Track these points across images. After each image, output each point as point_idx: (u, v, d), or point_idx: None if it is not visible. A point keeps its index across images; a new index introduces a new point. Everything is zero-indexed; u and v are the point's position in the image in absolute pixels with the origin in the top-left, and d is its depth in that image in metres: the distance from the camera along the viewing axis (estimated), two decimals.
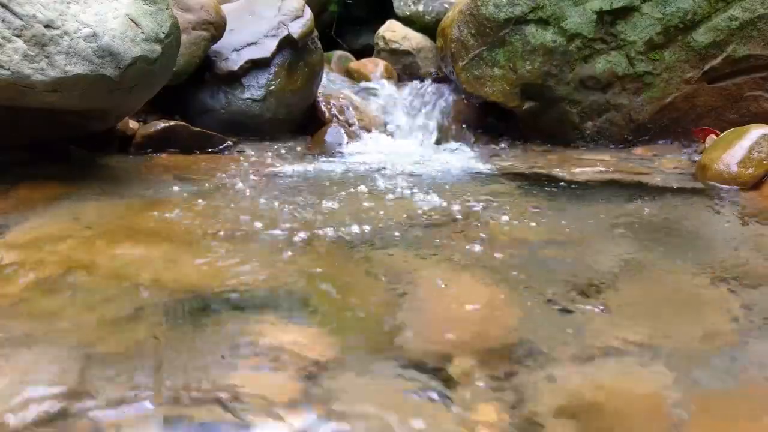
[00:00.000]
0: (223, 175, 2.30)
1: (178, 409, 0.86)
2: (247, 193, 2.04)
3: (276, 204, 1.91)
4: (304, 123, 3.31)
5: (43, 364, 0.96)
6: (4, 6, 1.75)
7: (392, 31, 4.37)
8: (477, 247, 1.54)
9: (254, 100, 3.05)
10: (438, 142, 3.30)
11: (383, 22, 4.51)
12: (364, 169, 2.51)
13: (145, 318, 1.12)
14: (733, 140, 2.33)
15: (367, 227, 1.67)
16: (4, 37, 1.74)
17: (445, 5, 4.30)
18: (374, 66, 4.13)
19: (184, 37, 2.64)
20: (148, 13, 2.04)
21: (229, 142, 2.83)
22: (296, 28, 3.20)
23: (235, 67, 3.05)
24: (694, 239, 1.66)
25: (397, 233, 1.64)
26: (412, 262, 1.46)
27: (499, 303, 1.25)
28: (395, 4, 4.54)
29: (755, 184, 2.18)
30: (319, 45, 3.42)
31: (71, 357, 0.98)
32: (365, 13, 5.11)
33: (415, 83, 3.80)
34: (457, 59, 3.22)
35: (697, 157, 2.61)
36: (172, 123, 2.70)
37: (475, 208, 1.91)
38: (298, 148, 2.96)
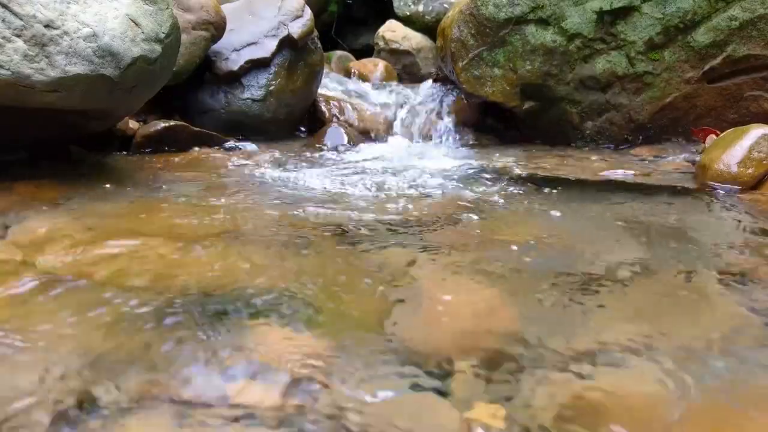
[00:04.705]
0: (223, 175, 2.30)
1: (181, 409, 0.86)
2: (247, 193, 2.03)
3: (276, 204, 1.91)
4: (304, 123, 3.31)
5: (40, 367, 0.96)
6: (4, 6, 1.75)
7: (392, 31, 4.38)
8: (476, 246, 1.54)
9: (254, 100, 3.05)
10: (437, 141, 3.30)
11: (383, 22, 4.52)
12: (363, 168, 2.51)
13: (147, 319, 1.12)
14: (733, 140, 2.33)
15: (366, 226, 1.67)
16: (4, 37, 1.74)
17: (445, 5, 4.30)
18: (374, 66, 4.14)
19: (184, 37, 2.64)
20: (148, 13, 2.04)
21: (229, 142, 2.83)
22: (296, 28, 3.20)
23: (235, 67, 3.05)
24: (694, 239, 1.66)
25: (396, 232, 1.64)
26: (412, 261, 1.46)
27: (498, 302, 1.25)
28: (395, 4, 4.54)
29: (755, 184, 2.18)
30: (319, 45, 3.43)
31: (71, 360, 0.97)
32: (365, 13, 5.11)
33: (414, 84, 3.81)
34: (457, 59, 3.22)
35: (697, 157, 2.61)
36: (172, 123, 2.70)
37: (474, 208, 1.91)
38: (298, 148, 2.96)
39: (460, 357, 1.02)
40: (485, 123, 3.39)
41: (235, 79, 3.06)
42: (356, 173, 2.44)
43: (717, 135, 2.68)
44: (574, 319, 1.17)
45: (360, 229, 1.66)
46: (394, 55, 4.30)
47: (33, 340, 1.03)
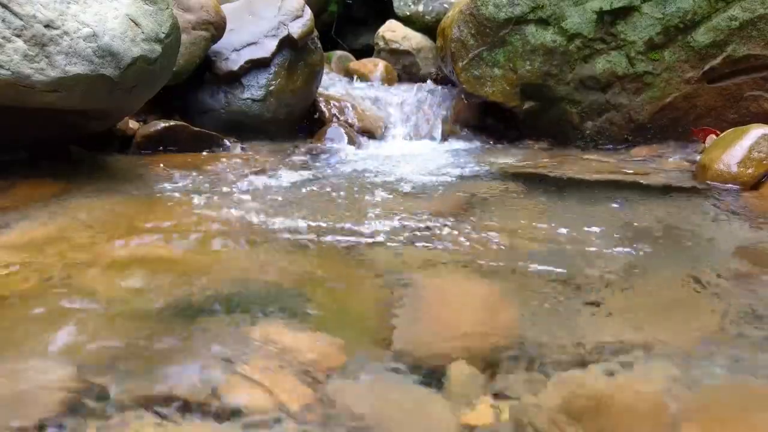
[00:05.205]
0: (223, 175, 2.30)
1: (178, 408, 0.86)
2: (247, 193, 2.03)
3: (275, 203, 1.91)
4: (304, 123, 3.31)
5: (40, 368, 0.96)
6: (4, 6, 1.75)
7: (392, 31, 4.37)
8: (474, 247, 1.54)
9: (254, 100, 3.05)
10: (437, 141, 3.30)
11: (383, 22, 4.51)
12: (362, 169, 2.51)
13: (146, 317, 1.12)
14: (733, 140, 2.33)
15: (365, 227, 1.67)
16: (4, 37, 1.74)
17: (445, 5, 4.30)
18: (374, 66, 4.13)
19: (184, 37, 2.64)
20: (148, 13, 2.04)
21: (229, 142, 2.83)
22: (296, 28, 3.20)
23: (235, 67, 3.05)
24: (693, 239, 1.66)
25: (395, 233, 1.64)
26: (411, 261, 1.46)
27: (497, 303, 1.25)
28: (395, 4, 4.54)
29: (755, 184, 2.18)
30: (319, 45, 3.42)
31: (71, 359, 0.98)
32: (365, 13, 5.10)
33: (414, 84, 3.82)
34: (457, 59, 3.22)
35: (697, 157, 2.61)
36: (172, 123, 2.70)
37: (473, 208, 1.91)
38: (298, 148, 2.96)
39: (460, 357, 1.02)
40: (485, 123, 3.39)
41: (235, 79, 3.06)
42: (355, 174, 2.44)
43: (717, 135, 2.68)
44: (574, 319, 1.17)
45: (359, 230, 1.66)
46: (394, 55, 4.29)
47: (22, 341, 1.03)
